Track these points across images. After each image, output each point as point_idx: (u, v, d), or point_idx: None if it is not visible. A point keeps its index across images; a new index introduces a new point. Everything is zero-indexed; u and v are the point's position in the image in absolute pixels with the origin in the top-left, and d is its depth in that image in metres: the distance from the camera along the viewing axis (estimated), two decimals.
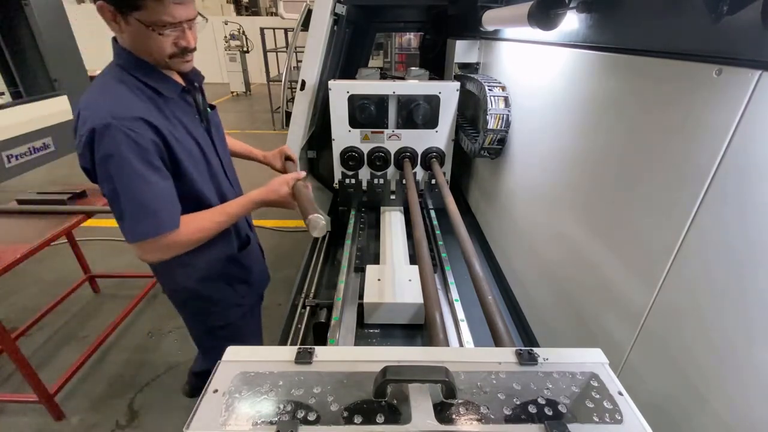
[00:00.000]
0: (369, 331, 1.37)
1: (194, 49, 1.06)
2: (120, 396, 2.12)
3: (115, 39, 1.03)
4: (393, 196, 2.17)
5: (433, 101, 1.94)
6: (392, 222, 2.02)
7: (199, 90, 1.20)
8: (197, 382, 1.97)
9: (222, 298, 1.34)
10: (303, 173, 1.30)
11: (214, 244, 1.19)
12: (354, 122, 1.98)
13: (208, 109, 1.24)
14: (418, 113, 1.94)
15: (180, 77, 1.13)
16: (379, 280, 1.44)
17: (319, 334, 1.33)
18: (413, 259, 1.60)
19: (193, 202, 1.12)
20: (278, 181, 1.22)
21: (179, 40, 1.00)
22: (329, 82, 1.92)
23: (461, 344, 1.21)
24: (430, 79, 2.31)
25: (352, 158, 2.06)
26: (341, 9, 1.96)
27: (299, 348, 0.72)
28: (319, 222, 1.12)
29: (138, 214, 0.97)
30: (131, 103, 0.98)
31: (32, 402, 1.93)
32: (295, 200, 1.21)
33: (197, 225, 1.09)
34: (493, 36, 1.92)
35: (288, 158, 1.60)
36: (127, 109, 0.95)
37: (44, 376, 1.93)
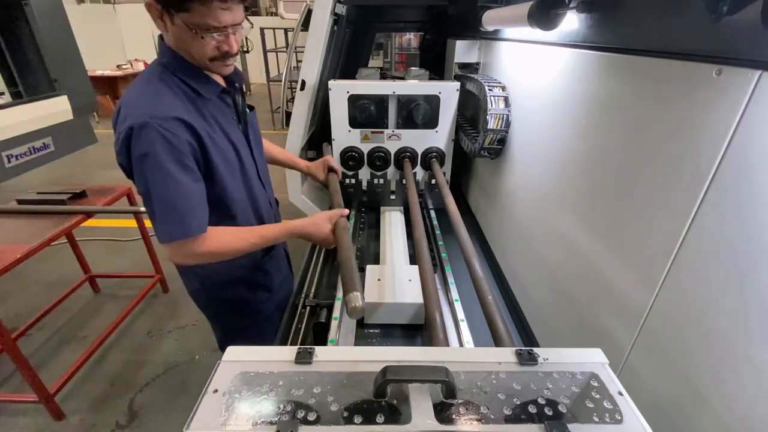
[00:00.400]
0: (369, 331, 1.37)
1: (236, 54, 1.04)
2: (120, 396, 2.12)
3: (161, 37, 1.03)
4: (393, 196, 2.17)
5: (433, 101, 1.94)
6: (392, 222, 2.02)
7: (239, 91, 1.19)
8: None
9: (242, 303, 1.33)
10: (346, 210, 1.28)
11: None
12: (354, 122, 1.98)
13: (247, 110, 1.23)
14: (418, 113, 1.94)
15: (221, 78, 1.12)
16: (379, 280, 1.44)
17: (319, 334, 1.33)
18: (413, 259, 1.59)
19: (223, 204, 1.12)
20: (322, 217, 1.21)
21: (221, 45, 0.99)
22: (329, 82, 1.92)
23: (461, 344, 1.20)
24: (430, 79, 2.31)
25: (352, 158, 2.06)
26: (341, 9, 1.96)
27: (299, 348, 0.73)
28: (356, 302, 0.95)
29: (166, 215, 0.97)
30: (170, 103, 0.97)
31: (32, 402, 1.93)
32: (336, 242, 1.19)
33: (229, 240, 1.08)
34: (493, 36, 1.92)
35: (331, 169, 1.60)
36: (166, 108, 0.95)
37: (44, 376, 1.93)
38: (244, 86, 1.22)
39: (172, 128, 0.94)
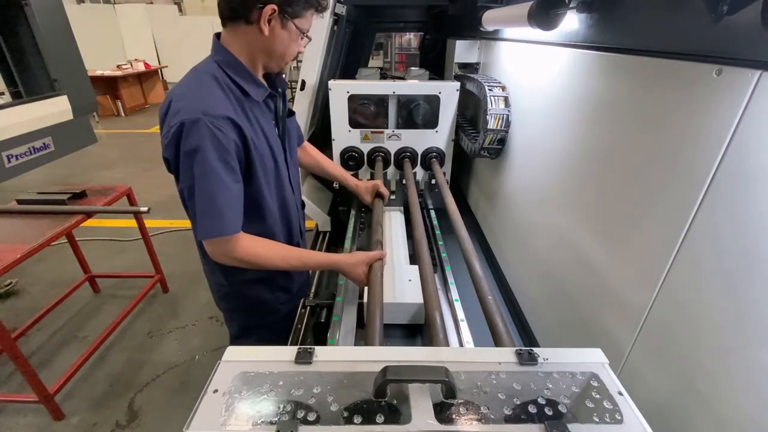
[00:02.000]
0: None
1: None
2: (120, 396, 2.12)
3: (217, 35, 1.06)
4: (393, 196, 2.17)
5: (433, 101, 1.94)
6: (392, 222, 2.02)
7: (282, 96, 1.22)
8: None
9: (261, 302, 1.35)
10: (385, 253, 1.29)
11: None
12: (354, 122, 1.98)
13: (287, 117, 1.26)
14: (418, 113, 1.94)
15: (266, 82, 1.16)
16: None
17: (319, 334, 1.33)
18: (413, 259, 1.59)
19: (256, 206, 1.13)
20: (360, 258, 1.25)
21: (300, 47, 1.10)
22: (329, 82, 1.92)
23: (461, 344, 1.20)
24: (430, 79, 2.31)
25: (352, 158, 2.06)
26: (341, 9, 1.96)
27: (299, 348, 0.73)
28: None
29: (206, 211, 0.98)
30: (221, 101, 0.99)
31: (32, 402, 1.93)
32: (368, 283, 1.22)
33: (267, 253, 1.11)
34: (493, 36, 1.92)
35: (379, 195, 1.63)
36: (218, 106, 0.97)
37: (44, 376, 1.93)
38: (287, 92, 1.26)
39: (223, 127, 0.96)
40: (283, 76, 1.23)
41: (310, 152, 1.65)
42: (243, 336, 1.45)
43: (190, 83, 1.02)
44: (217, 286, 1.33)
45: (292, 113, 1.30)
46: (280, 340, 1.50)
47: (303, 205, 1.50)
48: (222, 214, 0.99)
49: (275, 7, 0.95)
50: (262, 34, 0.99)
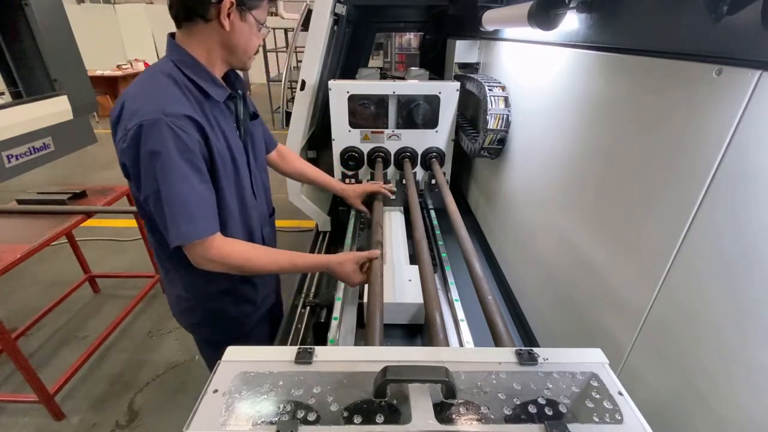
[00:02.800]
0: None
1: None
2: (120, 396, 2.12)
3: (172, 35, 1.04)
4: (393, 196, 2.17)
5: (433, 101, 1.94)
6: (392, 222, 2.02)
7: (242, 98, 1.18)
8: None
9: (225, 315, 1.30)
10: (377, 252, 1.24)
11: None
12: (354, 122, 1.98)
13: (248, 119, 1.21)
14: (418, 113, 1.94)
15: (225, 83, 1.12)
16: None
17: (319, 334, 1.33)
18: (413, 259, 1.60)
19: (218, 209, 1.09)
20: (349, 258, 1.21)
21: (260, 40, 1.09)
22: (329, 82, 1.92)
23: (461, 344, 1.20)
24: (430, 79, 2.31)
25: (352, 158, 2.06)
26: (341, 9, 1.96)
27: (299, 348, 0.73)
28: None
29: (177, 215, 0.94)
30: (180, 100, 0.96)
31: (32, 402, 1.93)
32: (366, 282, 1.21)
33: (252, 254, 1.07)
34: (493, 36, 1.92)
35: (372, 198, 1.61)
36: (177, 105, 0.94)
37: (44, 376, 1.93)
38: (248, 94, 1.21)
39: (184, 126, 0.93)
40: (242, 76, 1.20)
41: (290, 159, 1.60)
42: (210, 351, 1.39)
43: (144, 83, 0.98)
44: (177, 299, 1.26)
45: (256, 116, 1.27)
46: None
47: (273, 212, 1.46)
48: (195, 216, 0.95)
49: (233, 0, 0.94)
50: (222, 29, 0.98)
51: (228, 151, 1.09)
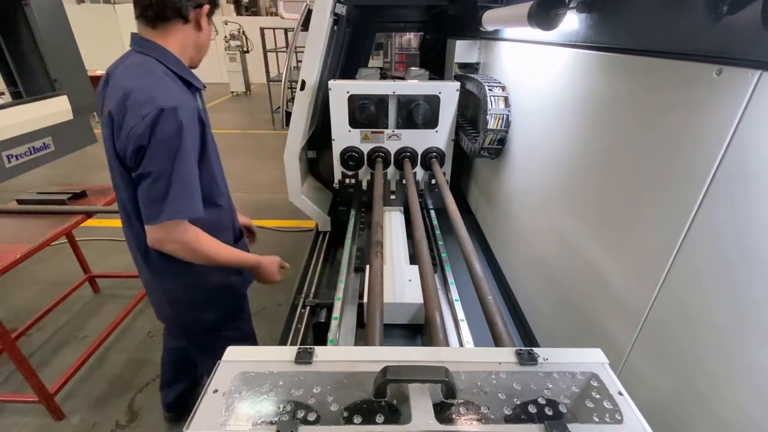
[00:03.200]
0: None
1: None
2: (120, 396, 2.12)
3: (142, 38, 1.09)
4: (393, 196, 2.17)
5: (433, 101, 1.94)
6: (392, 222, 2.02)
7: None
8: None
9: (229, 285, 1.37)
10: (287, 265, 1.47)
11: (218, 234, 1.22)
12: (354, 122, 1.98)
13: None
14: (418, 113, 1.94)
15: None
16: None
17: (319, 334, 1.33)
18: (413, 259, 1.60)
19: (209, 189, 1.19)
20: (277, 264, 1.40)
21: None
22: (329, 82, 1.92)
23: (461, 344, 1.20)
24: (430, 79, 2.31)
25: (352, 158, 2.06)
26: (341, 9, 1.96)
27: (299, 348, 0.73)
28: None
29: (180, 192, 1.02)
30: (183, 91, 1.08)
31: (32, 402, 1.93)
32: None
33: (212, 243, 1.17)
34: (493, 36, 1.92)
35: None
36: (184, 98, 1.04)
37: (44, 376, 1.93)
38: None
39: (192, 116, 1.03)
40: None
41: None
42: (212, 336, 1.41)
43: (143, 77, 1.03)
44: (180, 287, 1.28)
45: None
46: (246, 340, 1.51)
47: None
48: (193, 195, 1.06)
49: (208, 5, 1.09)
50: (197, 30, 1.11)
51: (212, 137, 1.20)
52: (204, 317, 1.37)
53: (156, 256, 1.17)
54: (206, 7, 1.09)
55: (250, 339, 1.54)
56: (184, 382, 1.86)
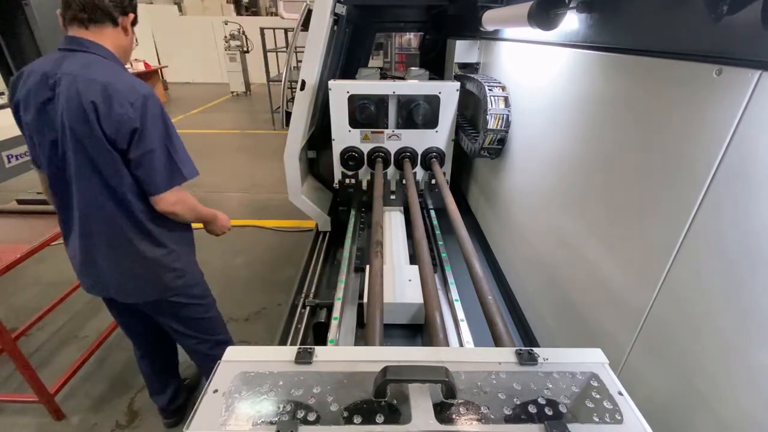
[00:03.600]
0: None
1: None
2: (120, 396, 2.12)
3: (90, 42, 1.20)
4: (393, 196, 2.17)
5: (433, 101, 1.94)
6: (392, 222, 2.02)
7: None
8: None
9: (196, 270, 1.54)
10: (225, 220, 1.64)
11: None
12: (354, 122, 1.98)
13: None
14: (418, 113, 1.94)
15: None
16: None
17: (319, 334, 1.33)
18: (413, 259, 1.60)
19: None
20: (228, 221, 1.61)
21: None
22: (329, 82, 1.92)
23: (461, 344, 1.21)
24: (430, 79, 2.31)
25: (352, 158, 2.06)
26: (341, 9, 1.96)
27: (299, 348, 0.73)
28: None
29: (184, 160, 1.25)
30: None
31: (32, 402, 1.93)
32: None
33: (197, 202, 1.39)
34: (493, 36, 1.92)
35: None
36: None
37: (44, 376, 1.93)
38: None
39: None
40: None
41: None
42: (201, 307, 1.57)
43: (113, 71, 1.16)
44: (165, 258, 1.37)
45: None
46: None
47: None
48: (190, 159, 1.29)
49: (131, 16, 1.24)
50: (124, 34, 1.24)
51: None
52: (189, 279, 1.47)
53: (155, 227, 1.31)
54: (131, 16, 1.24)
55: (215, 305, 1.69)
56: (171, 384, 1.88)
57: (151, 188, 1.21)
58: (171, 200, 1.25)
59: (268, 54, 7.45)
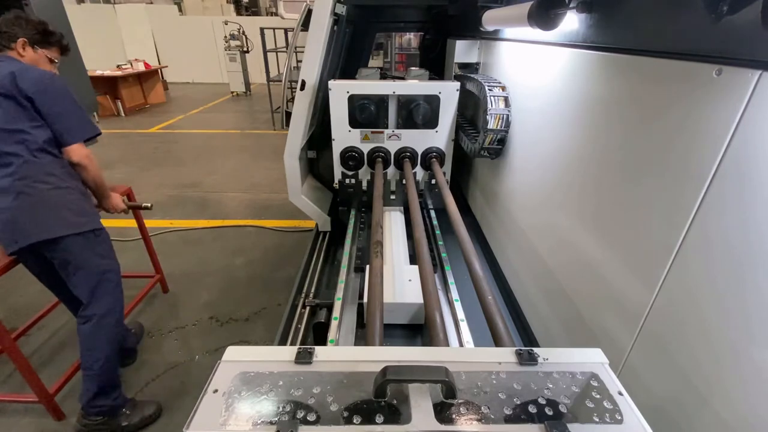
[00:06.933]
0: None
1: None
2: None
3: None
4: (393, 196, 2.17)
5: (433, 101, 1.94)
6: (392, 222, 2.02)
7: None
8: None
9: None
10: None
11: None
12: (354, 122, 1.98)
13: None
14: (418, 113, 1.94)
15: None
16: None
17: (319, 334, 1.33)
18: (413, 259, 1.60)
19: None
20: (121, 201, 2.02)
21: (53, 68, 1.74)
22: (329, 82, 1.92)
23: (461, 344, 1.20)
24: (430, 79, 2.31)
25: (352, 158, 2.06)
26: (341, 9, 1.96)
27: (299, 348, 0.73)
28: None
29: (88, 120, 1.65)
30: None
31: (32, 402, 1.93)
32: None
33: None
34: (493, 36, 1.92)
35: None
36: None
37: (44, 376, 1.93)
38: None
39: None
40: None
41: None
42: (97, 238, 1.75)
43: (29, 66, 1.55)
44: (70, 193, 1.63)
45: None
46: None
47: None
48: (90, 120, 1.67)
49: (24, 41, 1.58)
50: (20, 57, 1.58)
51: None
52: (92, 218, 1.72)
53: (60, 169, 1.59)
54: (20, 42, 1.57)
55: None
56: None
57: (67, 138, 1.59)
58: (83, 151, 1.62)
59: (268, 54, 7.45)
